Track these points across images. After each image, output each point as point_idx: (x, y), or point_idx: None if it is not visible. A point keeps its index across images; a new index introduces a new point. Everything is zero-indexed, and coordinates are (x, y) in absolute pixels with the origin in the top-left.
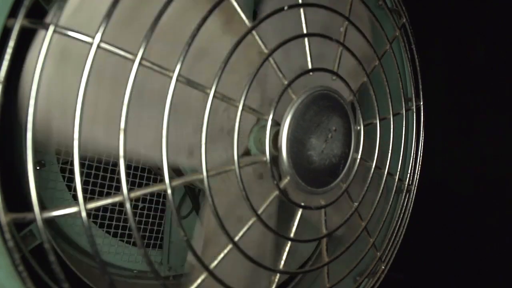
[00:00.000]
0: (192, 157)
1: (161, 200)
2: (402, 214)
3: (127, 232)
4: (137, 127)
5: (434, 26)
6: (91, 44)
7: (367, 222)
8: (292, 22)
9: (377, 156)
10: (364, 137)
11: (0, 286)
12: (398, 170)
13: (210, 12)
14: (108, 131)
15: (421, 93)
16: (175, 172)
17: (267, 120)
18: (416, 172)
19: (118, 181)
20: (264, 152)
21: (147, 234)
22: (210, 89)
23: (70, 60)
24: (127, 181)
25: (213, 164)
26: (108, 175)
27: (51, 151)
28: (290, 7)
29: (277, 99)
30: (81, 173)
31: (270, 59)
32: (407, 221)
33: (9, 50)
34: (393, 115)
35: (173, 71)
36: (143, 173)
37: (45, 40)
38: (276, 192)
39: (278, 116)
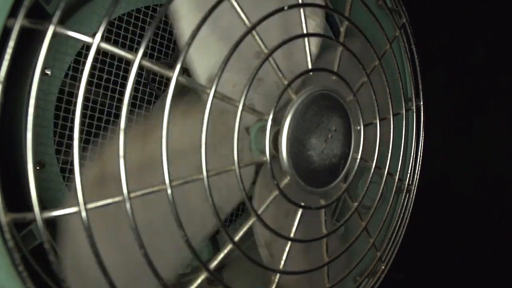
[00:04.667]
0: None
1: None
2: (402, 214)
3: None
4: None
5: (434, 26)
6: (91, 44)
7: (367, 222)
8: None
9: (377, 156)
10: (364, 137)
11: (0, 286)
12: (398, 170)
13: (210, 12)
14: None
15: (421, 93)
16: None
17: (267, 120)
18: (416, 172)
19: None
20: (264, 152)
21: None
22: (210, 89)
23: None
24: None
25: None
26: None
27: (51, 151)
28: (291, 7)
29: (277, 99)
30: (81, 173)
31: (270, 59)
32: (407, 221)
33: (9, 50)
34: (393, 115)
35: (173, 71)
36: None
37: (45, 40)
38: (276, 192)
39: (278, 116)
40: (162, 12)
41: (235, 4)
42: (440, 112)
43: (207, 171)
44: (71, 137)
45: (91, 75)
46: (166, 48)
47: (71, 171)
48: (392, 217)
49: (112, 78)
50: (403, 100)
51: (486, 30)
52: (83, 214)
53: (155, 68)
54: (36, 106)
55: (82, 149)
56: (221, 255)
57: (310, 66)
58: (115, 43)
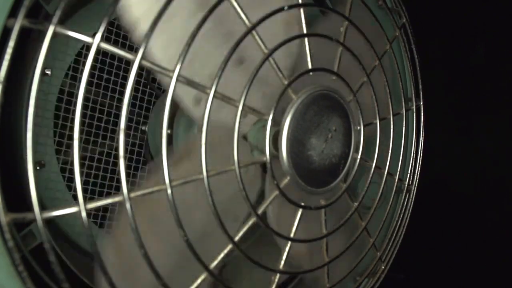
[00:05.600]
0: (198, 106)
1: None
2: (402, 214)
3: None
4: None
5: (434, 26)
6: (91, 44)
7: (367, 222)
8: None
9: (377, 156)
10: (364, 137)
11: (0, 286)
12: (398, 170)
13: (210, 11)
14: None
15: (421, 93)
16: None
17: (267, 120)
18: (416, 172)
19: (118, 181)
20: (264, 152)
21: None
22: (210, 89)
23: None
24: (127, 181)
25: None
26: (108, 175)
27: (51, 151)
28: (290, 7)
29: (277, 99)
30: (81, 173)
31: (270, 59)
32: (407, 221)
33: (9, 50)
34: (393, 115)
35: (173, 71)
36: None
37: (45, 40)
38: (276, 192)
39: (278, 116)
40: (162, 12)
41: (235, 4)
42: (440, 112)
43: (207, 171)
44: (71, 137)
45: (91, 75)
46: None
47: (71, 171)
48: (392, 217)
49: (112, 78)
50: (403, 100)
51: (486, 30)
52: (83, 214)
53: (155, 68)
54: (36, 106)
55: (82, 149)
56: (221, 255)
57: (310, 66)
58: (115, 43)
